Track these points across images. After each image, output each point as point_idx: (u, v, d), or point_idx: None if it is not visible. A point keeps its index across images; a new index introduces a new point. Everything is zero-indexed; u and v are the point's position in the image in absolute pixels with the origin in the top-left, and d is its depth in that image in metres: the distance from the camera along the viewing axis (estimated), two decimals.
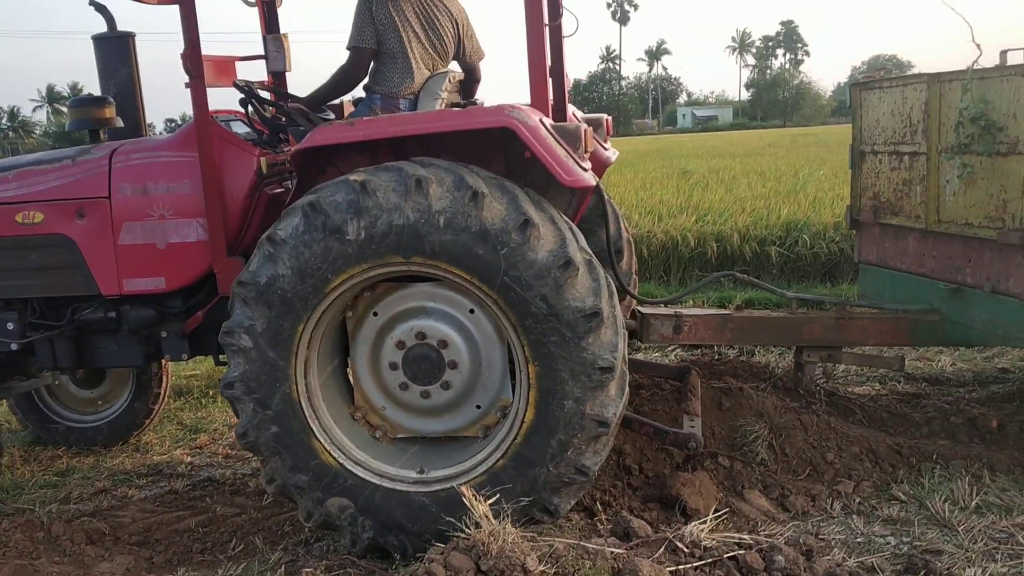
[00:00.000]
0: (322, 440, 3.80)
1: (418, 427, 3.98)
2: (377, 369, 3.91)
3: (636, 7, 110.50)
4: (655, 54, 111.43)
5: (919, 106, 5.09)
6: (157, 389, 5.84)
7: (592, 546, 3.30)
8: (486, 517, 3.17)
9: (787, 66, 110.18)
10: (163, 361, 5.61)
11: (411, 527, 3.70)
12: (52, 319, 4.72)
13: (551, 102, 4.05)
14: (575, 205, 4.21)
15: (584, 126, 3.83)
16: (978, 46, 4.77)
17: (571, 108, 4.76)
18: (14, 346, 4.73)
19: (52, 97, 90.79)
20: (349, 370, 4.09)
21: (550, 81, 4.05)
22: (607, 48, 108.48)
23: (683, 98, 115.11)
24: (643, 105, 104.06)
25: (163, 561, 4.17)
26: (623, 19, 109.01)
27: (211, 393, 6.75)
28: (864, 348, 5.42)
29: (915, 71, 4.95)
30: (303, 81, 5.25)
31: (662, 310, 5.29)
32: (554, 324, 3.48)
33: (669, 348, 7.15)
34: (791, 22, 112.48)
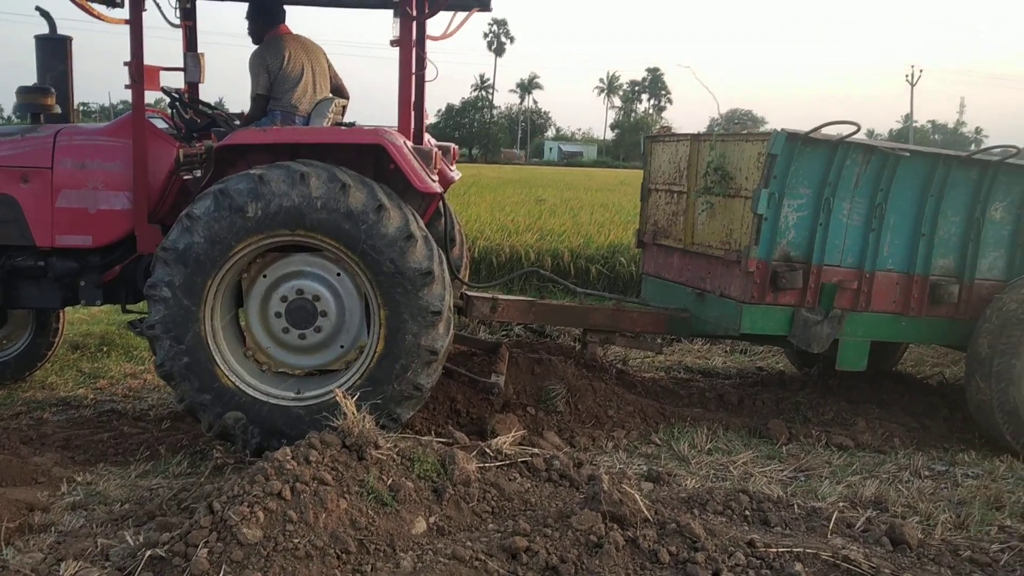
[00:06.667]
0: (223, 367, 4.83)
1: (296, 363, 5.06)
2: (265, 318, 4.96)
3: (512, 40, 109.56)
4: (527, 87, 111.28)
5: (685, 157, 6.40)
6: (56, 325, 6.54)
7: (425, 439, 4.51)
8: (352, 412, 4.04)
9: (651, 111, 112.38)
10: None
11: (290, 432, 4.70)
12: None
13: (413, 130, 5.38)
14: (424, 207, 5.59)
15: (435, 150, 5.19)
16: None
17: (427, 136, 6.05)
18: None
19: None
20: (243, 321, 5.11)
21: (413, 114, 5.35)
22: (481, 76, 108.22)
23: (551, 132, 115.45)
24: (512, 135, 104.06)
25: (84, 459, 4.95)
26: (499, 50, 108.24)
27: (105, 349, 7.44)
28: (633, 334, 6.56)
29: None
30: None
31: (484, 294, 6.47)
32: (399, 280, 4.70)
33: (503, 330, 8.39)
34: (657, 69, 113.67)
